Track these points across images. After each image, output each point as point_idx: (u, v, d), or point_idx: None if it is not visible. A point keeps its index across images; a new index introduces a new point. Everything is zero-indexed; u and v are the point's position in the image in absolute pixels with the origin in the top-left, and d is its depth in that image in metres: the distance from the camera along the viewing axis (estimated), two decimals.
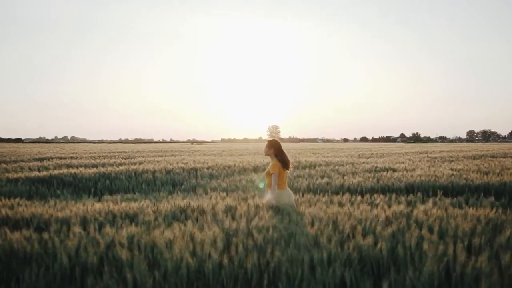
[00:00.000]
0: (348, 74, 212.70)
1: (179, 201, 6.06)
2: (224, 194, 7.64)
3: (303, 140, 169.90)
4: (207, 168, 11.54)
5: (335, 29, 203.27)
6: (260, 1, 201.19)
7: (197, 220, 5.05)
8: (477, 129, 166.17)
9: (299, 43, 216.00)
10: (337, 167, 11.80)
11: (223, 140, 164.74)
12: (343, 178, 9.20)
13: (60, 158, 17.53)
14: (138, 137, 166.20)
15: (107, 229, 4.30)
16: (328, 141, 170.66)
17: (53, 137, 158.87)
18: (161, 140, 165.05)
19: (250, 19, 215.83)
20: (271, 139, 5.54)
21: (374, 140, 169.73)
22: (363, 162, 13.69)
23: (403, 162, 13.98)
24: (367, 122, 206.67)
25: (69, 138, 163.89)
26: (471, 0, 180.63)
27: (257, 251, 3.53)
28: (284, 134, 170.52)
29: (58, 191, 8.62)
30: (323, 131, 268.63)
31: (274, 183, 5.25)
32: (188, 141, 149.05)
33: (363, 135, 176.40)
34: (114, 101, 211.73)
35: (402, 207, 5.38)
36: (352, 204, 5.79)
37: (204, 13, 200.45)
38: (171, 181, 9.85)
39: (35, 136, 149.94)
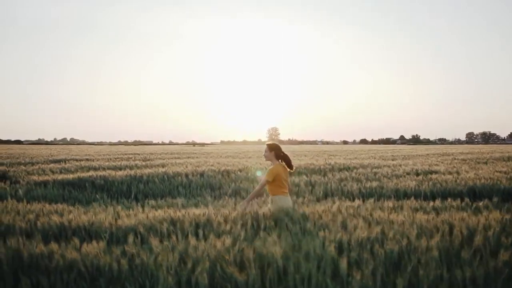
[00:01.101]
0: (346, 75, 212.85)
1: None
2: None
3: (302, 142, 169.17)
4: (240, 171, 11.03)
5: (334, 30, 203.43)
6: (260, 2, 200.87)
7: (275, 227, 4.55)
8: (476, 130, 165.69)
9: (298, 44, 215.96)
10: (374, 170, 11.30)
11: (222, 142, 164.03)
12: (392, 181, 8.71)
13: (76, 160, 16.97)
14: (137, 139, 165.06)
15: (193, 240, 3.78)
16: (327, 143, 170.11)
17: (53, 139, 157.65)
18: (160, 142, 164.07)
19: (250, 19, 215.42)
20: (270, 142, 5.26)
21: (373, 142, 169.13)
22: (398, 164, 13.19)
23: (437, 164, 13.50)
24: (366, 124, 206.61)
25: (68, 139, 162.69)
26: (471, 0, 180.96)
27: (395, 268, 3.03)
28: (283, 136, 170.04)
29: (97, 195, 8.10)
30: (321, 133, 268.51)
31: (260, 186, 5.01)
32: (188, 143, 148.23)
33: (362, 137, 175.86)
34: (112, 103, 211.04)
35: (498, 214, 4.88)
36: (448, 209, 5.27)
37: (202, 14, 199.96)
38: (207, 184, 9.34)
39: (34, 137, 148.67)
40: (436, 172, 10.66)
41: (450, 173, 10.38)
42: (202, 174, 10.36)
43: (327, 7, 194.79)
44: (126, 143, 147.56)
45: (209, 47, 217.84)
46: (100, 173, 10.27)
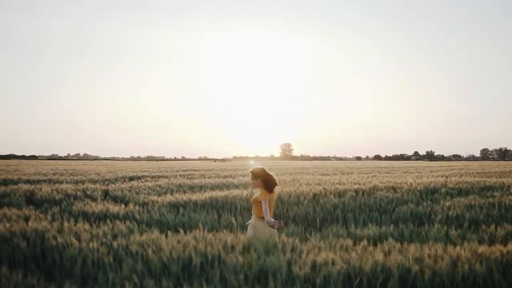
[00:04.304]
0: (359, 90, 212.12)
1: None
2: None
3: (315, 158, 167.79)
4: (377, 190, 9.65)
5: (345, 46, 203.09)
6: (270, 16, 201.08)
7: None
8: (490, 147, 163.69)
9: (309, 59, 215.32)
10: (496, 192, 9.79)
11: (235, 158, 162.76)
12: None
13: (148, 176, 15.74)
14: (150, 155, 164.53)
15: None
16: (341, 159, 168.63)
17: (66, 154, 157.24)
18: (172, 157, 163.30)
19: (259, 31, 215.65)
20: (253, 168, 4.66)
21: (387, 158, 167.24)
22: None
23: None
24: (378, 140, 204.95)
25: (81, 155, 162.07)
26: (484, 14, 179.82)
27: None
28: (296, 151, 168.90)
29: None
30: (333, 148, 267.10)
31: (266, 211, 4.41)
32: (200, 159, 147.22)
33: (376, 153, 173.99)
34: (124, 118, 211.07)
35: None
36: None
37: (211, 26, 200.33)
38: (366, 207, 8.05)
39: (47, 153, 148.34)
40: None
41: None
42: (342, 195, 9.05)
43: (339, 20, 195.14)
44: (138, 159, 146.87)
45: (219, 62, 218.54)
46: (215, 193, 9.08)
